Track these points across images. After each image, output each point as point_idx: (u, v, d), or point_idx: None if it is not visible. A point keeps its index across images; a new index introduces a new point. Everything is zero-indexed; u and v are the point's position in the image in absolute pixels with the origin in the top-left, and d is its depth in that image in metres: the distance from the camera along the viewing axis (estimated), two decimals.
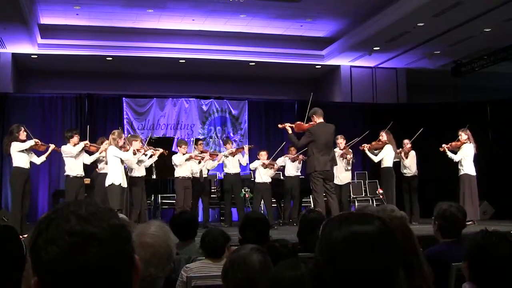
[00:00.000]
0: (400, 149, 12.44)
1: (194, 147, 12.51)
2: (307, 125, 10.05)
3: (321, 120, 9.96)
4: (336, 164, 10.82)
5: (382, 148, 12.22)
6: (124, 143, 10.24)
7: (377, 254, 1.40)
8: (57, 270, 1.14)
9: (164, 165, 11.89)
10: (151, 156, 11.28)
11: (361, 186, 14.98)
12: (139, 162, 10.83)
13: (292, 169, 13.03)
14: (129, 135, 13.13)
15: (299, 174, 13.18)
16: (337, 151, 11.85)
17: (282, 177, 13.72)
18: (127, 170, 10.65)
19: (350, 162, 12.40)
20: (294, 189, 12.95)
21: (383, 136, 12.23)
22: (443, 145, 11.60)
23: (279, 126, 10.72)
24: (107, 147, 10.07)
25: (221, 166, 15.25)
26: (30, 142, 9.90)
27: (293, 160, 12.95)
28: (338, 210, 9.62)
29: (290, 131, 10.19)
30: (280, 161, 12.93)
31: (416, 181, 12.54)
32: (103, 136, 11.14)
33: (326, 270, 1.42)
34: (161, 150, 11.40)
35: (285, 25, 15.00)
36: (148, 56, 15.50)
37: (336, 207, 9.79)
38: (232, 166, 12.72)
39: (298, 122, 10.32)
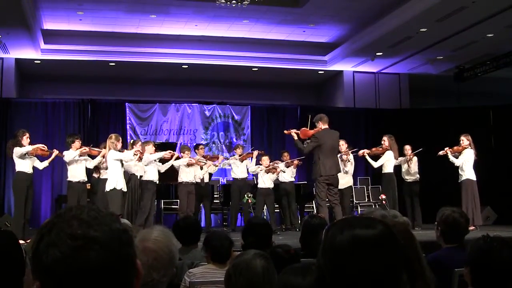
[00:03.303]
0: (404, 158, 12.44)
1: (195, 152, 12.52)
2: (312, 131, 10.10)
3: (326, 126, 10.04)
4: (340, 171, 10.84)
5: (383, 153, 12.22)
6: (123, 146, 10.28)
7: (380, 257, 1.40)
8: (58, 273, 1.14)
9: (166, 170, 11.89)
10: (166, 161, 11.38)
11: (364, 192, 14.99)
12: (153, 162, 10.91)
13: (287, 174, 13.00)
14: (132, 139, 13.16)
15: (294, 179, 13.18)
16: None
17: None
18: (131, 175, 10.68)
19: (347, 163, 12.27)
20: (290, 195, 12.93)
21: (385, 141, 12.23)
22: (446, 149, 11.61)
23: (285, 132, 10.80)
24: (106, 151, 10.08)
25: (224, 171, 15.29)
26: (28, 147, 9.89)
27: (287, 166, 12.91)
28: (342, 215, 9.60)
29: (296, 137, 10.23)
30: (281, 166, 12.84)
31: (417, 186, 12.55)
32: (105, 142, 11.13)
33: (330, 274, 1.42)
34: (175, 154, 11.49)
35: (288, 30, 15.01)
36: (151, 61, 15.53)
37: (339, 213, 9.79)
38: (240, 171, 12.72)
39: (303, 128, 10.34)
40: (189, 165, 11.72)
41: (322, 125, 10.03)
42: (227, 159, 13.71)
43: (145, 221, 10.64)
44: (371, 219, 1.50)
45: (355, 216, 1.65)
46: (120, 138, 10.25)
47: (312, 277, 2.26)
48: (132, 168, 10.63)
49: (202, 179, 12.19)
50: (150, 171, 11.02)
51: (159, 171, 11.39)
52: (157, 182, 11.33)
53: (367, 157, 12.36)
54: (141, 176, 10.99)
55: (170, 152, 11.52)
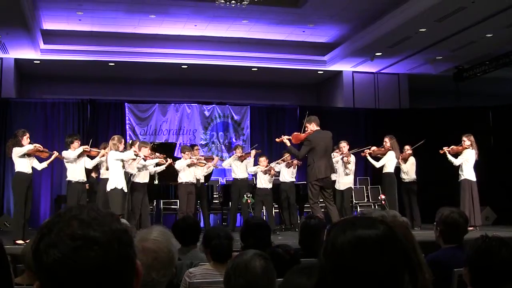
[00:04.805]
0: (400, 154, 12.44)
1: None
2: (304, 134, 10.00)
3: (317, 127, 9.93)
4: (334, 171, 10.81)
5: (384, 154, 12.22)
6: (124, 147, 10.26)
7: (383, 258, 1.39)
8: (58, 273, 1.14)
9: (166, 171, 11.90)
10: (159, 165, 11.37)
11: (363, 192, 14.97)
12: (142, 168, 10.87)
13: (287, 174, 13.01)
14: (131, 140, 13.15)
15: (294, 180, 13.17)
16: (335, 156, 11.82)
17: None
18: (130, 176, 10.65)
19: (347, 165, 12.24)
20: (289, 195, 12.93)
21: (387, 142, 12.22)
22: (444, 148, 11.62)
23: (277, 140, 10.73)
24: (107, 152, 10.09)
25: (223, 172, 15.30)
26: (29, 146, 9.85)
27: (288, 166, 12.92)
28: (338, 216, 9.55)
29: (288, 144, 10.17)
30: (273, 165, 12.78)
31: (415, 186, 12.53)
32: (105, 141, 11.12)
33: (332, 275, 1.42)
34: (169, 161, 11.47)
35: (287, 30, 15.02)
36: (150, 61, 15.52)
37: (336, 214, 9.72)
38: (240, 171, 12.73)
39: (295, 133, 10.25)
40: (190, 165, 11.74)
41: (313, 127, 9.94)
42: (222, 160, 13.74)
43: (139, 221, 10.67)
44: (373, 219, 1.50)
45: (357, 216, 1.63)
46: (123, 140, 10.25)
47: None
48: (134, 168, 10.64)
49: (198, 180, 12.18)
50: (141, 173, 11.01)
51: (150, 173, 11.43)
52: (149, 181, 11.34)
53: (369, 158, 12.37)
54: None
55: (164, 158, 11.49)
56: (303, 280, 2.20)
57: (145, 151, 10.80)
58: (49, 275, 1.16)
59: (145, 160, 10.84)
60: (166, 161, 11.49)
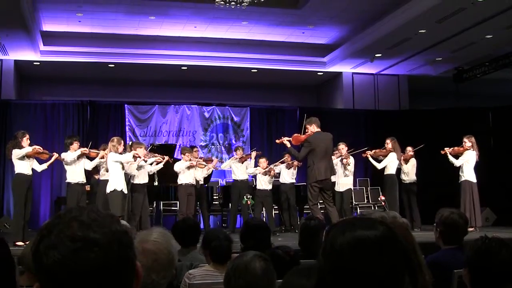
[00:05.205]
0: (402, 154, 12.43)
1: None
2: (304, 136, 9.97)
3: (318, 129, 9.91)
4: (335, 173, 10.80)
5: (386, 155, 12.21)
6: (124, 149, 10.25)
7: (382, 258, 1.38)
8: (58, 275, 1.14)
9: (166, 172, 11.90)
10: (157, 163, 11.37)
11: (363, 193, 14.94)
12: (139, 168, 10.85)
13: (287, 176, 12.99)
14: (131, 141, 13.16)
15: (294, 181, 13.16)
16: (334, 158, 11.81)
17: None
18: (130, 177, 10.64)
19: (347, 167, 12.23)
20: (289, 196, 12.91)
21: (388, 144, 12.21)
22: (446, 149, 11.63)
23: (277, 141, 10.75)
24: (107, 153, 10.08)
25: (223, 173, 15.29)
26: (28, 149, 9.85)
27: (288, 167, 12.91)
28: (338, 218, 9.53)
29: (289, 145, 10.16)
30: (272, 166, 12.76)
31: (414, 187, 12.52)
32: (105, 143, 11.10)
33: (331, 275, 1.41)
34: (166, 158, 11.46)
35: (287, 32, 15.02)
36: (150, 63, 15.52)
37: (335, 216, 9.71)
38: (240, 172, 12.73)
39: (295, 135, 10.24)
40: (189, 167, 11.74)
41: (313, 129, 9.91)
42: (222, 162, 13.72)
43: (139, 223, 10.67)
44: (372, 220, 1.49)
45: (356, 217, 1.62)
46: (122, 142, 10.23)
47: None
48: (133, 170, 10.62)
49: (198, 181, 12.18)
50: (141, 174, 11.00)
51: (149, 172, 11.41)
52: (149, 183, 11.34)
53: (370, 159, 12.38)
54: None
55: (161, 157, 11.49)
56: (303, 281, 2.20)
57: (141, 151, 10.79)
58: (49, 276, 1.16)
59: (145, 161, 10.85)
60: (163, 158, 11.47)
